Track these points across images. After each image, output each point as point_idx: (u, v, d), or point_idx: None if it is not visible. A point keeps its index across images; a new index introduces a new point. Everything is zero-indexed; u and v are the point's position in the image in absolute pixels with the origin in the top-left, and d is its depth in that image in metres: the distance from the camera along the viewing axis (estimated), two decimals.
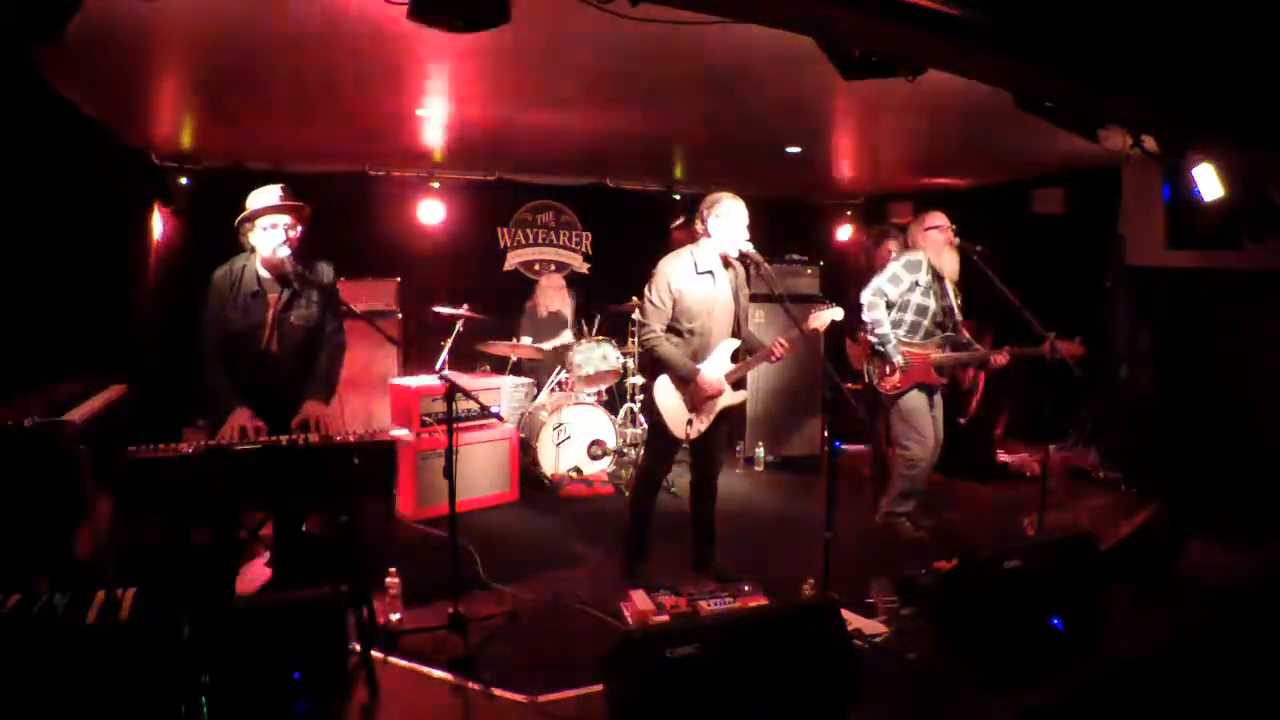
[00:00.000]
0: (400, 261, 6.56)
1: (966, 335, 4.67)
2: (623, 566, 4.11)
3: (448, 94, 4.25)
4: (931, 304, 4.57)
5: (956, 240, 4.55)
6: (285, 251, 3.49)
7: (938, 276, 4.57)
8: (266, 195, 3.53)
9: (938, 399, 4.67)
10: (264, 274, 3.53)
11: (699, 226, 3.85)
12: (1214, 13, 2.83)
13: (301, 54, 3.42)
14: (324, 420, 3.48)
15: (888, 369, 4.58)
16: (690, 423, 3.88)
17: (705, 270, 3.81)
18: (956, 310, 4.63)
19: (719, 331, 3.89)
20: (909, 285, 4.53)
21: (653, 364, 3.89)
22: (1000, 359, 4.50)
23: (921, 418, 4.59)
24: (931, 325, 4.61)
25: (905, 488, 4.70)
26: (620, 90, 4.10)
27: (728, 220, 3.77)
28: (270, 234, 3.48)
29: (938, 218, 4.62)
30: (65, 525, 3.46)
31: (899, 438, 4.68)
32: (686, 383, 3.82)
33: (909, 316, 4.58)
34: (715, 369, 3.85)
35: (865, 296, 4.55)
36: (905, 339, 4.59)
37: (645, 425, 4.28)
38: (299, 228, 3.54)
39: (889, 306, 4.57)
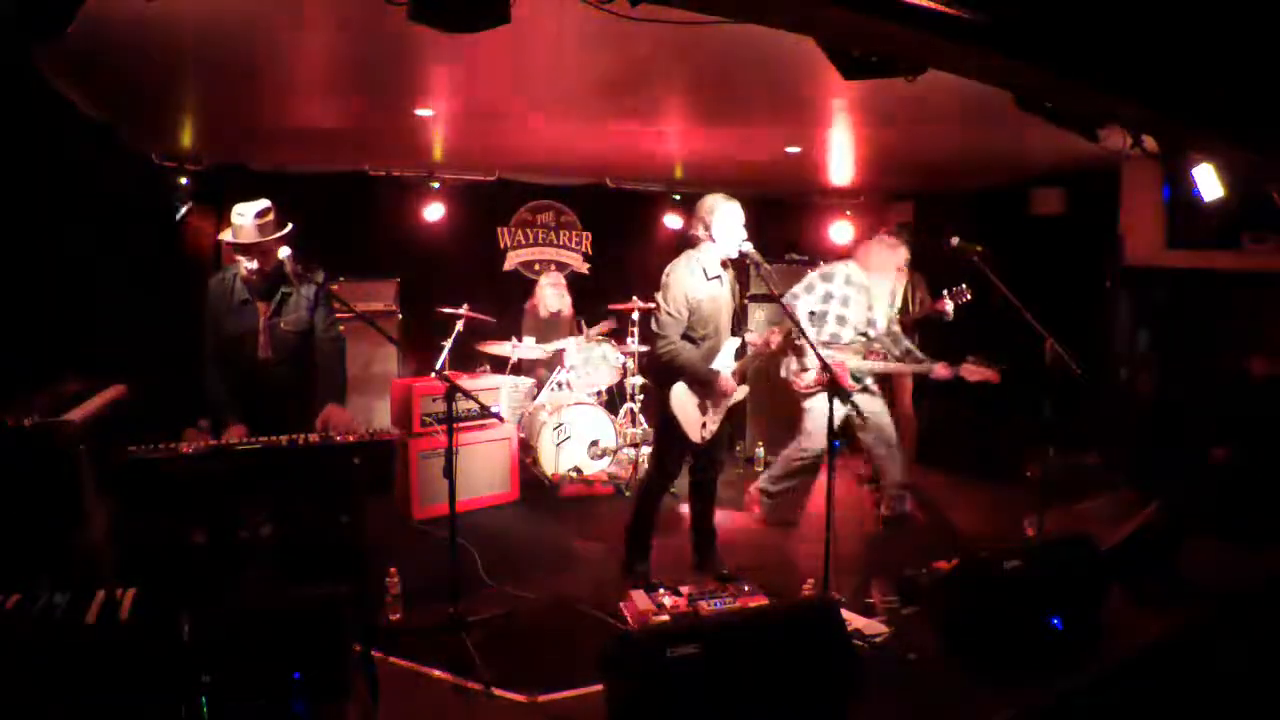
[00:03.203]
0: (400, 261, 6.55)
1: (901, 348, 4.78)
2: (623, 565, 4.11)
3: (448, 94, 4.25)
4: (850, 313, 4.64)
5: (898, 249, 4.68)
6: (286, 252, 3.53)
7: (864, 287, 4.66)
8: (243, 220, 3.53)
9: (880, 404, 4.72)
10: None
11: (700, 231, 3.84)
12: (1213, 13, 2.83)
13: (303, 53, 3.42)
14: (345, 422, 3.49)
15: (801, 366, 4.63)
16: (704, 425, 3.92)
17: (714, 276, 3.84)
18: (885, 320, 4.74)
19: (726, 332, 3.94)
20: (823, 295, 4.62)
21: (669, 373, 3.86)
22: (941, 372, 4.57)
23: (820, 420, 4.59)
24: (852, 334, 4.68)
25: (784, 470, 4.88)
26: (619, 92, 4.10)
27: (727, 222, 3.78)
28: (247, 261, 3.54)
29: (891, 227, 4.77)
30: (65, 525, 3.46)
31: (801, 431, 4.81)
32: (706, 387, 3.85)
33: (829, 325, 4.65)
34: (726, 369, 3.89)
35: (785, 298, 4.60)
36: (825, 343, 4.64)
37: (653, 430, 4.28)
38: (283, 249, 3.55)
39: (812, 315, 4.66)
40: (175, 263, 5.72)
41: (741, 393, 3.98)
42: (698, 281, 3.80)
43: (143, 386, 4.67)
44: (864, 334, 4.70)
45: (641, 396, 6.35)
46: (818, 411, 4.68)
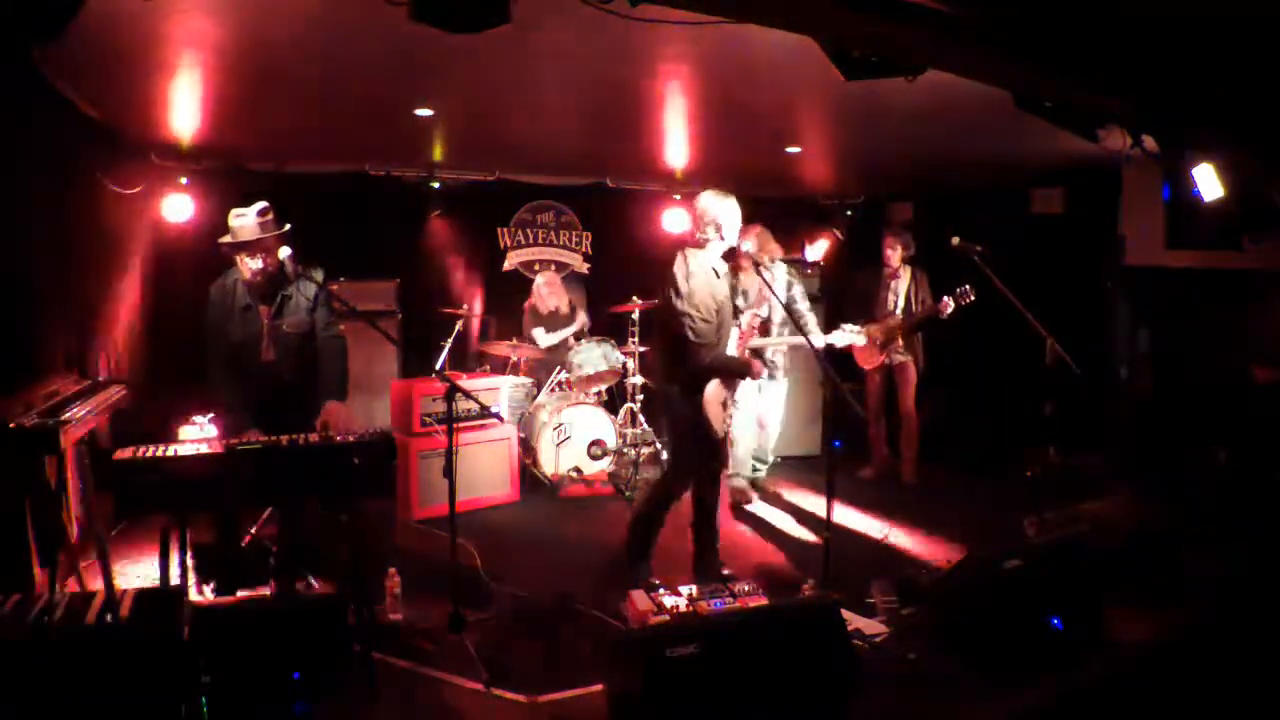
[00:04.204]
0: (400, 261, 6.55)
1: (802, 323, 5.05)
2: (625, 563, 4.08)
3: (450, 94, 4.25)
4: (739, 303, 4.93)
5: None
6: (286, 251, 3.54)
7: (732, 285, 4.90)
8: (243, 220, 3.55)
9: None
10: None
11: (709, 232, 3.82)
12: (1213, 13, 2.83)
13: (303, 54, 3.42)
14: (344, 419, 3.50)
15: None
16: (726, 420, 4.01)
17: (722, 274, 3.88)
18: (781, 304, 4.93)
19: (730, 327, 4.03)
20: None
21: (709, 376, 3.83)
22: (816, 341, 4.94)
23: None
24: (742, 325, 4.96)
25: (736, 451, 5.42)
26: (619, 92, 4.10)
27: (733, 220, 3.83)
28: (250, 260, 3.54)
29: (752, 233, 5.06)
30: (64, 525, 3.46)
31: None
32: (732, 379, 3.94)
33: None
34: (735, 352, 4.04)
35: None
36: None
37: (672, 435, 4.26)
38: (283, 248, 3.57)
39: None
40: (174, 263, 5.72)
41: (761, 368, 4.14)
42: (715, 283, 3.82)
43: (143, 386, 4.67)
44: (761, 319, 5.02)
45: (641, 397, 6.35)
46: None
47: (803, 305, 5.15)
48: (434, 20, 2.32)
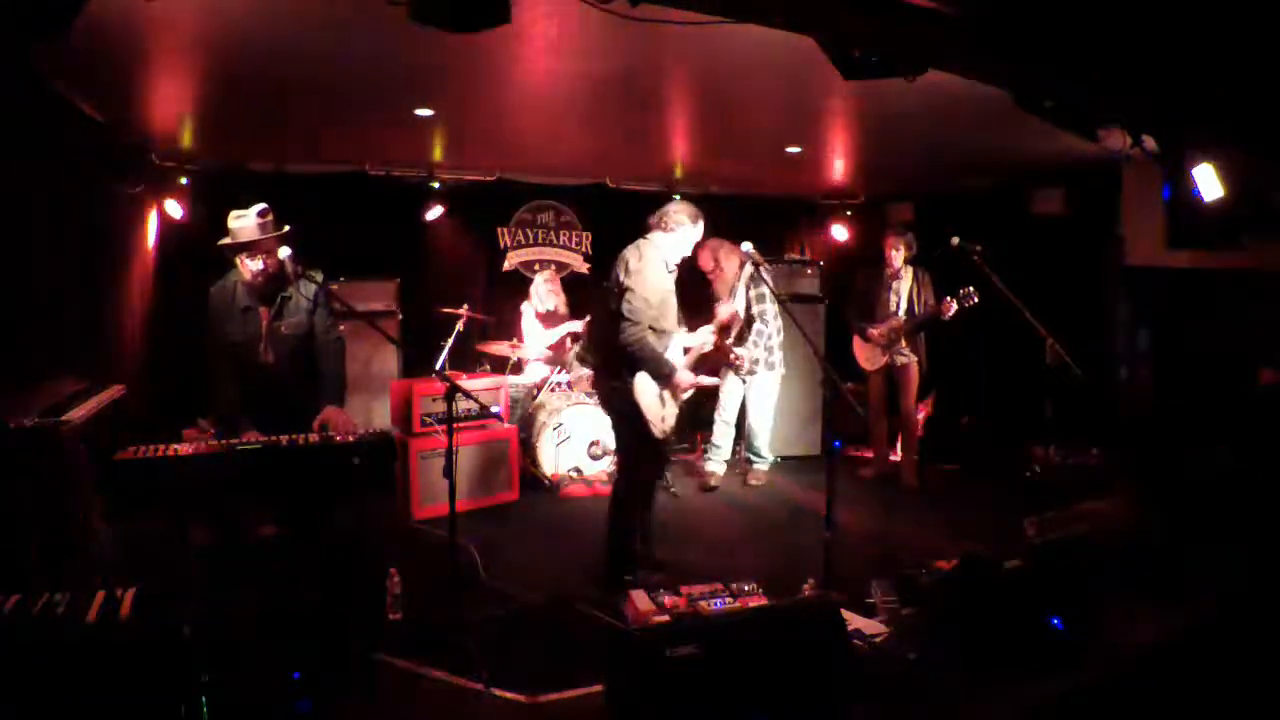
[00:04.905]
0: (400, 261, 6.55)
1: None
2: (608, 579, 4.00)
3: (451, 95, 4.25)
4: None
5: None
6: (286, 251, 3.54)
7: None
8: (243, 221, 3.56)
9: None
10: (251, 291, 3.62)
11: (682, 219, 3.91)
12: (1213, 12, 2.83)
13: (303, 53, 3.42)
14: (344, 423, 3.51)
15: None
16: (664, 419, 3.95)
17: (671, 270, 3.96)
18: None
19: (674, 327, 4.02)
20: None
21: (630, 363, 3.83)
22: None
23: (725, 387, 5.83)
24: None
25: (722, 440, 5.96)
26: (619, 92, 4.10)
27: (692, 239, 3.96)
28: (250, 262, 3.55)
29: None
30: (65, 525, 3.46)
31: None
32: (665, 380, 3.85)
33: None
34: (679, 361, 3.98)
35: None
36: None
37: (617, 431, 4.21)
38: (282, 248, 3.58)
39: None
40: (175, 263, 5.72)
41: (692, 384, 3.98)
42: (665, 275, 3.90)
43: (143, 386, 4.67)
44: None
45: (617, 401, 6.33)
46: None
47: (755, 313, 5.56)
48: (434, 20, 2.32)
